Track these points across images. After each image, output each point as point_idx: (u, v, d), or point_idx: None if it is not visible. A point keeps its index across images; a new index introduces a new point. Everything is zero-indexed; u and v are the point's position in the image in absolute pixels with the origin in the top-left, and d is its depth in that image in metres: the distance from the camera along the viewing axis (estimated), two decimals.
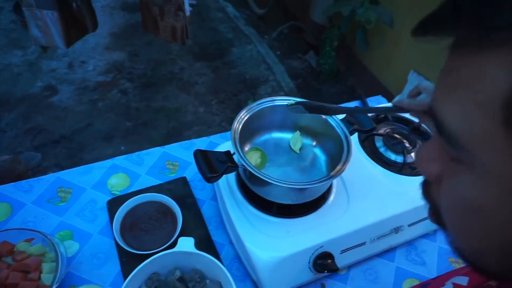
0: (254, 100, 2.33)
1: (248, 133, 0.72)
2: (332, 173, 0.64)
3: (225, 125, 2.15)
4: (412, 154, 0.86)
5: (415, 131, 0.92)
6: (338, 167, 0.65)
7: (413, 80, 1.86)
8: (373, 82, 2.34)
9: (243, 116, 0.69)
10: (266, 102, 0.73)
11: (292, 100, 0.69)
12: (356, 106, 0.81)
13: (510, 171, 0.22)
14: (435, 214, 0.30)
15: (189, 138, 0.98)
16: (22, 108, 2.12)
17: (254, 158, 0.73)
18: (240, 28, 2.98)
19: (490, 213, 0.24)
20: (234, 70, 2.57)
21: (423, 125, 0.92)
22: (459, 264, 0.79)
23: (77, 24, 1.17)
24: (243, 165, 0.62)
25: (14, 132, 1.98)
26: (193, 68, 2.54)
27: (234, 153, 0.65)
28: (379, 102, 1.19)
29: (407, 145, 0.87)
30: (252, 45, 2.81)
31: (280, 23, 2.97)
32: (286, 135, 0.80)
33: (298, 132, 0.79)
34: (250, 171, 0.62)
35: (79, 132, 2.01)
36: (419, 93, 0.64)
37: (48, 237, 0.69)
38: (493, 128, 0.21)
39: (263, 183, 0.66)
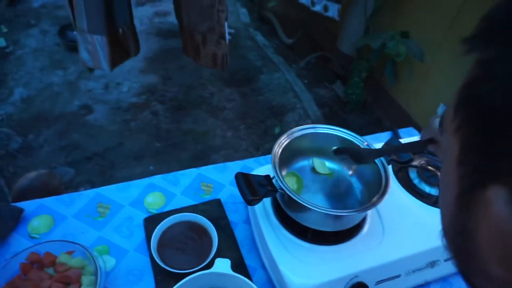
0: (281, 127, 2.38)
1: (286, 158, 0.74)
2: (370, 203, 0.64)
3: (252, 150, 2.19)
4: None
5: None
6: (376, 197, 0.66)
7: (442, 111, 1.86)
8: (401, 114, 2.33)
9: (283, 140, 0.71)
10: (308, 129, 0.75)
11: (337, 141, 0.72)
12: (393, 141, 0.81)
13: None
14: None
15: (216, 162, 1.01)
16: (59, 126, 2.22)
17: (290, 183, 0.74)
18: (268, 56, 3.06)
19: None
20: (262, 97, 2.63)
21: None
22: None
23: (121, 48, 1.24)
24: (283, 190, 0.63)
25: (50, 148, 2.07)
26: (223, 94, 2.61)
27: (273, 177, 0.67)
28: (411, 134, 1.19)
29: None
30: (280, 73, 2.87)
31: (307, 53, 3.03)
32: (325, 163, 0.81)
33: (315, 158, 0.79)
34: (288, 196, 0.63)
35: (111, 150, 2.09)
36: None
37: (88, 250, 0.71)
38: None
39: (300, 208, 0.67)
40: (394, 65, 2.09)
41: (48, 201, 0.88)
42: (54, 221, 0.83)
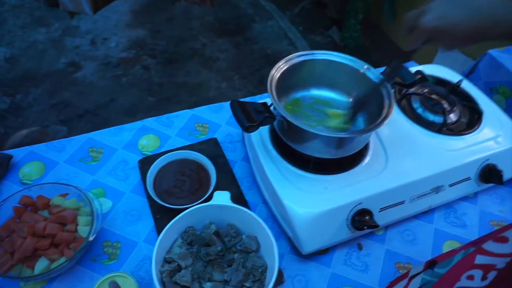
0: None
1: (284, 88, 0.70)
2: (372, 125, 0.61)
3: None
4: (451, 115, 0.82)
5: (453, 92, 0.87)
6: (379, 120, 0.62)
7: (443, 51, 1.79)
8: (400, 57, 2.26)
9: (282, 65, 0.66)
10: (306, 55, 0.70)
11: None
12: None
13: None
14: None
15: None
16: (47, 84, 2.15)
17: (289, 111, 0.70)
18: (260, 4, 2.92)
19: None
20: (256, 46, 2.53)
21: (461, 86, 0.88)
22: (499, 227, 0.76)
23: None
24: (282, 115, 0.59)
25: (41, 107, 2.02)
26: (215, 44, 2.51)
27: (271, 105, 0.63)
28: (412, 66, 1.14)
29: (446, 106, 0.83)
30: (274, 21, 2.75)
31: None
32: (323, 93, 0.77)
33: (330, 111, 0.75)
34: (288, 122, 0.59)
35: (103, 107, 2.03)
36: None
37: (83, 191, 0.69)
38: None
39: (300, 135, 0.64)
40: (392, 3, 1.99)
41: (38, 147, 0.84)
42: (45, 167, 0.80)
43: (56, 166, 0.81)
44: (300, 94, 0.75)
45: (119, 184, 0.78)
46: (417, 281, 0.43)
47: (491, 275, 0.32)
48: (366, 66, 0.71)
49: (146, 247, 0.69)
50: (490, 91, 0.99)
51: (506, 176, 0.76)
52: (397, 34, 2.28)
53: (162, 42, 2.49)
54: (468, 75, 1.06)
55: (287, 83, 0.70)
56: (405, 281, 0.48)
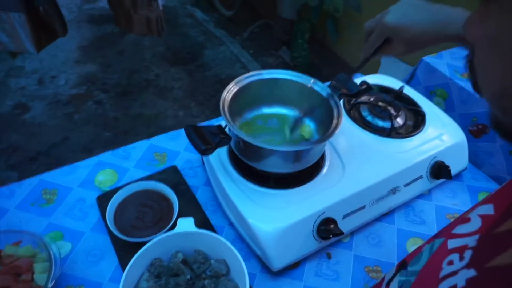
0: None
1: (237, 109, 0.71)
2: (326, 134, 0.64)
3: None
4: (398, 119, 0.87)
5: (397, 98, 0.93)
6: (333, 124, 0.65)
7: (387, 60, 1.90)
8: (346, 70, 2.37)
9: (232, 87, 0.68)
10: (254, 76, 0.72)
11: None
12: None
13: None
14: (475, 83, 0.34)
15: None
16: None
17: (244, 131, 0.72)
18: (210, 31, 2.98)
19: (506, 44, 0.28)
20: (210, 72, 2.56)
21: (404, 91, 0.94)
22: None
23: (46, 27, 1.12)
24: (237, 135, 0.60)
25: None
26: (169, 74, 2.51)
27: (226, 126, 0.64)
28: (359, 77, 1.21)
29: (392, 111, 0.88)
30: (225, 46, 2.81)
31: (249, 23, 2.98)
32: (275, 110, 0.79)
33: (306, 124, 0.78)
34: (244, 141, 0.60)
35: (56, 146, 1.95)
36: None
37: (37, 236, 0.65)
38: None
39: (258, 152, 0.65)
40: (335, 21, 2.11)
41: None
42: None
43: (6, 214, 0.76)
44: (253, 114, 0.77)
45: (77, 224, 0.75)
46: (394, 285, 0.44)
47: (467, 254, 0.34)
48: (312, 81, 0.74)
49: (112, 287, 0.66)
50: (429, 94, 1.06)
51: (453, 170, 0.81)
52: (342, 50, 2.40)
53: (114, 75, 2.46)
54: (408, 81, 1.13)
55: (239, 104, 0.71)
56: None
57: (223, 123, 0.65)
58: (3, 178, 1.73)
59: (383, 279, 0.51)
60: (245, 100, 0.72)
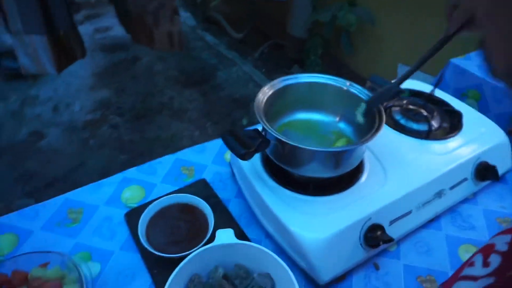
0: (249, 117, 2.31)
1: (270, 114, 0.68)
2: (368, 136, 0.60)
3: None
4: (433, 122, 0.83)
5: (429, 101, 0.90)
6: (372, 132, 0.61)
7: (403, 72, 1.88)
8: (362, 84, 2.36)
9: (267, 90, 0.65)
10: (289, 79, 0.69)
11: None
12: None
13: None
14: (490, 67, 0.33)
15: None
16: (8, 157, 2.03)
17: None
18: (222, 53, 3.01)
19: None
20: (223, 92, 2.56)
21: (435, 93, 0.91)
22: (507, 223, 0.75)
23: (65, 49, 1.13)
24: (277, 138, 0.57)
25: (2, 182, 1.88)
26: (182, 96, 2.51)
27: (263, 130, 0.61)
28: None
29: (425, 114, 0.84)
30: (237, 67, 2.82)
31: (260, 44, 3.01)
32: (310, 116, 0.76)
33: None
34: (284, 143, 0.57)
35: (73, 172, 1.93)
36: None
37: (66, 256, 0.61)
38: None
39: (298, 157, 0.61)
40: (348, 35, 2.11)
41: (7, 218, 0.76)
42: (18, 238, 0.72)
43: (31, 236, 0.72)
44: (287, 119, 0.74)
45: (105, 243, 0.71)
46: None
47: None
48: (348, 83, 0.71)
49: None
50: (460, 97, 1.03)
51: (499, 171, 0.76)
52: (357, 65, 2.39)
53: (128, 99, 2.47)
54: (436, 85, 1.10)
55: (273, 109, 0.69)
56: None
57: (259, 127, 0.62)
58: (21, 205, 1.70)
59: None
60: (280, 104, 0.70)
